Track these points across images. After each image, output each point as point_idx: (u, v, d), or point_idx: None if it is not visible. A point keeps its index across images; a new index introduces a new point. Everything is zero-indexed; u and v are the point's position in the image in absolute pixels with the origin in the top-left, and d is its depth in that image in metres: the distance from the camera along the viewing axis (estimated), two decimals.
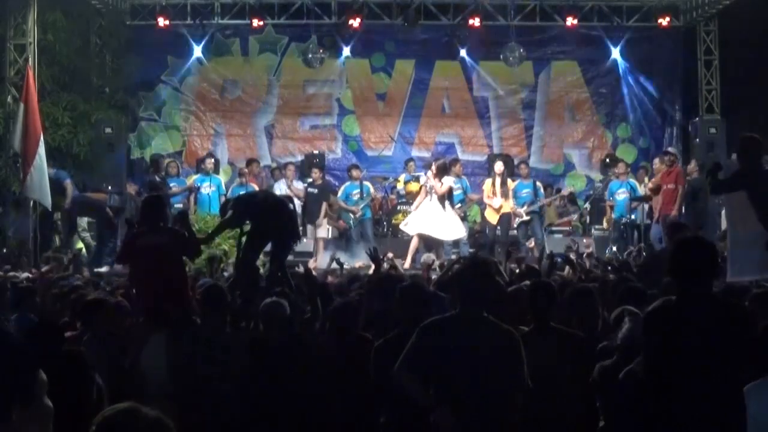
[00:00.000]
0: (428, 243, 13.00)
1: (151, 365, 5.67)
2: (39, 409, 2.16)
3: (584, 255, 11.89)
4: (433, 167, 13.02)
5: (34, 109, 13.16)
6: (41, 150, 13.11)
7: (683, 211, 13.47)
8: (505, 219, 14.19)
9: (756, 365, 3.82)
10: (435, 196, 12.77)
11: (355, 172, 15.00)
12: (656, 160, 14.68)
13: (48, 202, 13.53)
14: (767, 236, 7.67)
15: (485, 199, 14.35)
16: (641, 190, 14.41)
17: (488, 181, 14.49)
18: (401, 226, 13.75)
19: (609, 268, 9.37)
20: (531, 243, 14.09)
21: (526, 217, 14.22)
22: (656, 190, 13.69)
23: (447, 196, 12.92)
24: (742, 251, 8.68)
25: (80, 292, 6.92)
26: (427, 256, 13.10)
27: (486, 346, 4.27)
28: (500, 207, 14.16)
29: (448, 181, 12.91)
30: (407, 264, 12.38)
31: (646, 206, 13.98)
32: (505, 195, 14.11)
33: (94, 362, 4.85)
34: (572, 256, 9.61)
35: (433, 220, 12.77)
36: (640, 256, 11.86)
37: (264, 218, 8.01)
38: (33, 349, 2.98)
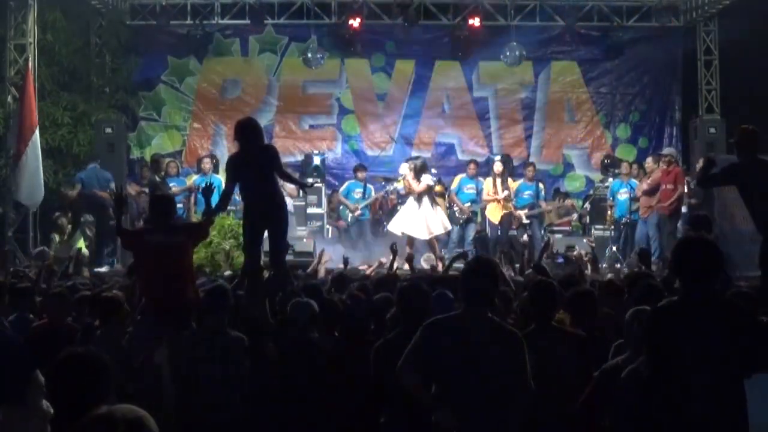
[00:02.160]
0: (420, 242, 13.05)
1: (160, 366, 5.68)
2: (33, 411, 2.13)
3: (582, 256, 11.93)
4: (411, 166, 13.09)
5: (30, 109, 13.18)
6: (30, 150, 13.11)
7: (683, 210, 13.48)
8: (506, 219, 14.19)
9: (756, 365, 3.83)
10: (411, 196, 12.90)
11: (360, 173, 15.07)
12: (649, 159, 14.61)
13: (36, 203, 13.52)
14: (756, 234, 7.67)
15: (485, 197, 14.38)
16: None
17: (488, 181, 14.49)
18: (388, 227, 13.80)
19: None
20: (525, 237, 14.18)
21: (525, 221, 14.22)
22: (652, 191, 13.67)
23: (427, 194, 12.95)
24: (731, 246, 8.70)
25: (82, 293, 6.91)
26: (428, 256, 13.16)
27: (489, 346, 4.25)
28: (501, 206, 14.18)
29: (426, 179, 12.96)
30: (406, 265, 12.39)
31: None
32: (505, 195, 14.11)
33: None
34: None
35: (410, 219, 12.84)
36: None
37: (250, 176, 7.85)
38: (27, 351, 2.95)
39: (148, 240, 6.79)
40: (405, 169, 13.23)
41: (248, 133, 7.88)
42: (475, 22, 16.25)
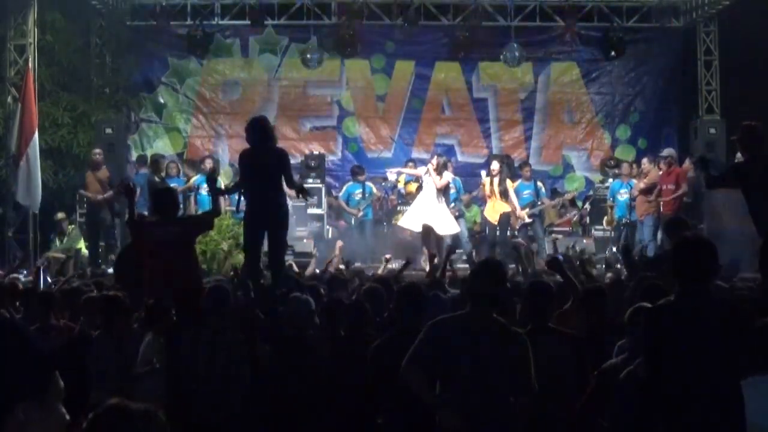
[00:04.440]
0: (428, 240, 13.04)
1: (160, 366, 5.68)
2: (52, 415, 2.13)
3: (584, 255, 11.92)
4: (434, 161, 13.13)
5: (30, 110, 13.18)
6: (31, 151, 13.11)
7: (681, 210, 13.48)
8: (505, 219, 14.17)
9: (754, 366, 3.82)
10: (429, 190, 12.90)
11: (359, 174, 15.04)
12: (645, 160, 14.57)
13: (36, 205, 13.49)
14: (745, 235, 7.61)
15: (483, 194, 14.35)
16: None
17: (486, 180, 14.48)
18: (399, 223, 13.78)
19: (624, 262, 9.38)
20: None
21: (528, 219, 14.21)
22: (649, 190, 13.66)
23: (443, 192, 13.01)
24: (718, 247, 8.66)
25: (88, 295, 6.90)
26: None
27: (494, 347, 4.26)
28: (499, 206, 14.17)
29: (447, 176, 13.01)
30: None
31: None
32: (503, 195, 14.07)
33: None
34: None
35: (429, 212, 12.88)
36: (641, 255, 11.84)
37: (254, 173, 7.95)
38: (48, 350, 2.94)
39: (149, 233, 6.82)
40: (395, 169, 13.21)
41: (258, 132, 7.94)
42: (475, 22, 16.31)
